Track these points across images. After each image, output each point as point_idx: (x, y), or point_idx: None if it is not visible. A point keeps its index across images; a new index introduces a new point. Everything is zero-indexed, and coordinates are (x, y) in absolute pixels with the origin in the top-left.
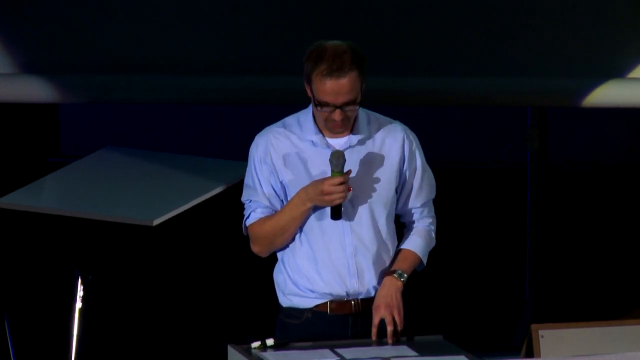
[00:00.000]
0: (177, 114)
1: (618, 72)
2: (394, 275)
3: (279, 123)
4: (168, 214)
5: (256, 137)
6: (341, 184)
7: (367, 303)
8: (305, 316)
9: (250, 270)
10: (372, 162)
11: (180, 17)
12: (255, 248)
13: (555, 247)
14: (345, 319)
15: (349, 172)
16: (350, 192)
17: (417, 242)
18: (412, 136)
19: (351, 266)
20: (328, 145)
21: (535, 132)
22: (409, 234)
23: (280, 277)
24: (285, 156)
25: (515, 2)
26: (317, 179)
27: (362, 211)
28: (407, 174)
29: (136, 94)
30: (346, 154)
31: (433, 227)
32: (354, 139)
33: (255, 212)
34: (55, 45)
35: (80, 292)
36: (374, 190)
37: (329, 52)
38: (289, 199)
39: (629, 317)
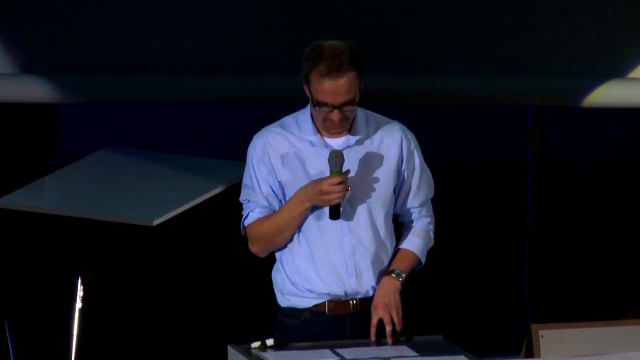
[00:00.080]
0: (177, 114)
1: (618, 72)
2: (392, 275)
3: (277, 123)
4: (168, 214)
5: (254, 137)
6: (340, 183)
7: (365, 303)
8: (304, 316)
9: (250, 270)
10: (370, 162)
11: (180, 17)
12: (254, 248)
13: (555, 247)
14: (344, 318)
15: (348, 171)
16: (349, 192)
17: (416, 242)
18: (411, 136)
19: (349, 266)
20: (326, 145)
21: (535, 132)
22: (408, 234)
23: (279, 277)
24: (283, 156)
25: (515, 2)
26: (315, 178)
27: (361, 211)
28: (406, 173)
29: (136, 94)
30: (344, 153)
31: (431, 227)
32: (352, 139)
33: (253, 212)
34: (55, 45)
35: (80, 292)
36: (373, 190)
37: (328, 52)
38: (287, 198)
39: (629, 317)
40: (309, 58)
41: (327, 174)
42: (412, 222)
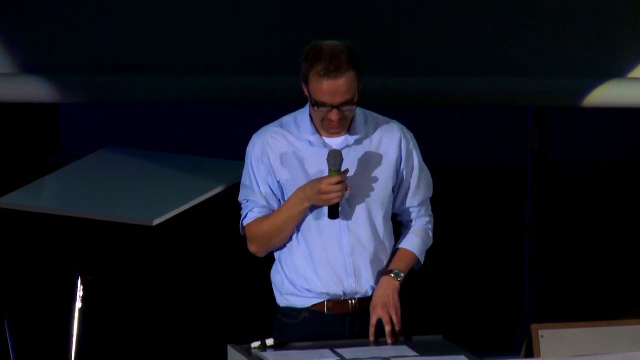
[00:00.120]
0: (177, 114)
1: (618, 72)
2: (391, 275)
3: (276, 123)
4: (168, 214)
5: (253, 137)
6: (339, 183)
7: (364, 302)
8: (303, 316)
9: (250, 270)
10: (369, 161)
11: (180, 17)
12: (253, 248)
13: (555, 247)
14: (343, 318)
15: (347, 171)
16: (348, 192)
17: (415, 241)
18: (409, 135)
19: (348, 266)
20: (325, 145)
21: (535, 132)
22: (407, 233)
23: (278, 277)
24: (282, 156)
25: (515, 2)
26: (314, 178)
27: (360, 210)
28: (405, 173)
29: (136, 94)
30: (343, 153)
31: (430, 226)
32: (351, 138)
33: (252, 212)
34: (55, 45)
35: (80, 292)
36: (371, 189)
37: (326, 53)
38: (286, 198)
39: (629, 317)
40: (307, 58)
41: (326, 173)
42: (411, 221)
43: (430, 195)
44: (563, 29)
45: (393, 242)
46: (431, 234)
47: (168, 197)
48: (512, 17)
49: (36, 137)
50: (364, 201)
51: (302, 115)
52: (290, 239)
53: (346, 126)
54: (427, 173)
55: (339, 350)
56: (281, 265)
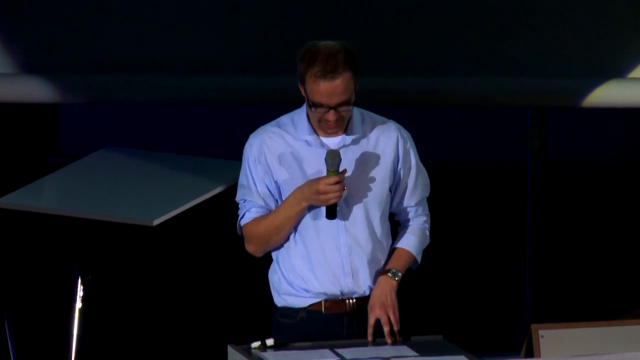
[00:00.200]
0: (177, 114)
1: (618, 72)
2: (389, 274)
3: (273, 122)
4: (168, 214)
5: (250, 137)
6: (336, 183)
7: (361, 302)
8: (300, 316)
9: (250, 270)
10: (366, 161)
11: (180, 17)
12: (250, 248)
13: (555, 247)
14: (340, 318)
15: (344, 171)
16: (345, 192)
17: (412, 241)
18: (407, 135)
19: (346, 266)
20: (322, 145)
21: (535, 132)
22: (404, 233)
23: (275, 276)
24: (279, 156)
25: (515, 2)
26: (312, 178)
27: (357, 210)
28: (402, 173)
29: (136, 94)
30: (340, 153)
31: (427, 226)
32: (348, 138)
33: (249, 211)
34: (55, 45)
35: (80, 292)
36: (369, 189)
37: (323, 53)
38: (283, 198)
39: (629, 317)
40: (303, 59)
41: (324, 173)
42: (408, 221)
43: (427, 194)
44: (563, 29)
45: (390, 242)
46: (428, 233)
47: (168, 197)
48: (512, 17)
49: (36, 137)
50: (361, 201)
51: (299, 115)
52: (288, 238)
53: (343, 126)
54: (424, 172)
55: (339, 350)
56: (278, 265)
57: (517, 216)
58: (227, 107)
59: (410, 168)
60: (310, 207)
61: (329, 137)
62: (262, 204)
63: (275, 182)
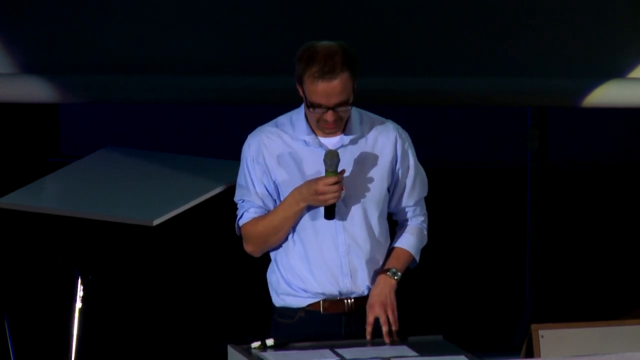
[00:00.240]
0: (177, 114)
1: (618, 72)
2: (388, 273)
3: (272, 122)
4: (168, 214)
5: (248, 137)
6: (335, 183)
7: (360, 302)
8: (299, 316)
9: (250, 270)
10: (364, 161)
11: (180, 17)
12: (249, 248)
13: (555, 247)
14: (339, 318)
15: (343, 171)
16: (343, 191)
17: (410, 240)
18: (405, 135)
19: (344, 265)
20: (320, 145)
21: (535, 132)
22: (402, 232)
23: (274, 277)
24: (278, 156)
25: (515, 2)
26: (310, 178)
27: (355, 210)
28: (400, 173)
29: (136, 94)
30: (339, 153)
31: (425, 225)
32: (346, 138)
33: (248, 212)
34: (55, 45)
35: (80, 292)
36: (367, 189)
37: (321, 54)
38: (281, 198)
39: (629, 317)
40: (301, 59)
41: (322, 173)
42: (406, 220)
43: (425, 194)
44: (563, 29)
45: (389, 242)
46: (426, 233)
47: (168, 197)
48: (512, 17)
49: (36, 137)
50: (359, 201)
51: (297, 115)
52: (286, 238)
53: (341, 126)
54: (422, 172)
55: (339, 350)
56: (277, 265)
57: (517, 216)
58: (227, 107)
59: (408, 168)
60: (309, 208)
61: (327, 137)
62: (261, 204)
63: (274, 182)
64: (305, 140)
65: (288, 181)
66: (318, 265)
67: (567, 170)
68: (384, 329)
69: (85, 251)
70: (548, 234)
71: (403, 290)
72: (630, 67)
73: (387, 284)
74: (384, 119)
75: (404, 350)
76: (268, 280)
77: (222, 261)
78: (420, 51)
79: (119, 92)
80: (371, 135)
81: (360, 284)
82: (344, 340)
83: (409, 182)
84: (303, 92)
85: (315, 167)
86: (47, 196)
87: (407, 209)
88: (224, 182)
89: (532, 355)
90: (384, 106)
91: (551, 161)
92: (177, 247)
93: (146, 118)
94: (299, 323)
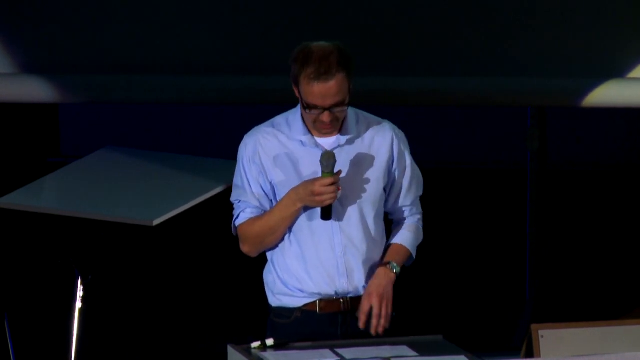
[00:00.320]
0: (177, 114)
1: (618, 72)
2: (388, 267)
3: (268, 123)
4: (168, 214)
5: (245, 137)
6: (332, 184)
7: (356, 302)
8: (295, 315)
9: (250, 271)
10: (361, 161)
11: (180, 17)
12: (245, 248)
13: (555, 247)
14: (335, 317)
15: (339, 172)
16: (340, 192)
17: (408, 237)
18: (401, 135)
19: (340, 266)
20: (317, 145)
21: (535, 132)
22: (399, 229)
23: (270, 277)
24: (274, 157)
25: (515, 2)
26: (307, 179)
27: (352, 211)
28: (397, 173)
29: (136, 94)
30: (335, 153)
31: (421, 224)
32: (343, 138)
33: (244, 212)
34: (55, 45)
35: (80, 292)
36: (363, 189)
37: (316, 55)
38: (278, 199)
39: (629, 317)
40: (297, 60)
41: (319, 174)
42: (403, 219)
43: (421, 193)
44: (563, 29)
45: (385, 241)
46: (422, 231)
47: (168, 197)
48: (512, 17)
49: (36, 137)
50: (355, 201)
51: (294, 115)
52: (283, 239)
53: (338, 126)
54: (418, 172)
55: (339, 350)
56: (273, 265)
57: (517, 216)
58: (227, 107)
59: (405, 168)
60: (305, 208)
61: (324, 137)
62: (257, 204)
63: (270, 182)
64: (301, 141)
65: (284, 181)
66: (314, 265)
67: (567, 170)
68: (374, 321)
69: (85, 251)
70: (548, 234)
71: (403, 290)
72: (630, 67)
73: (387, 277)
74: (380, 119)
75: (404, 350)
76: (264, 281)
77: (222, 261)
78: (420, 51)
79: (119, 92)
80: (368, 135)
81: (356, 283)
82: (341, 340)
83: (405, 182)
84: (299, 93)
85: (311, 167)
86: (47, 196)
87: (404, 209)
88: (224, 182)
89: (532, 355)
90: (384, 106)
91: (551, 161)
92: (177, 247)
93: (146, 118)
94: (295, 323)
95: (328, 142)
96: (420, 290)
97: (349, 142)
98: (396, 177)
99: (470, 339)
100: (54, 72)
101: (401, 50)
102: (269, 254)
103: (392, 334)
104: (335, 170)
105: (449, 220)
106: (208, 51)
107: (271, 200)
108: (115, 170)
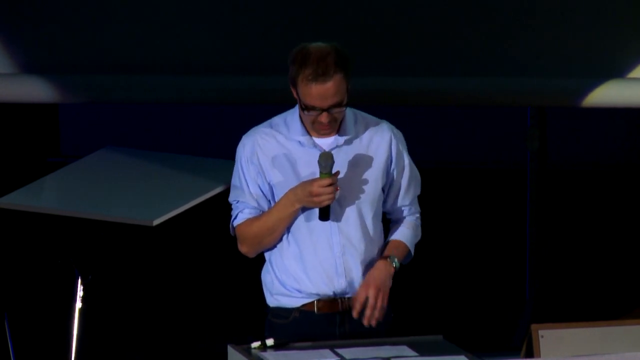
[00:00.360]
0: (177, 114)
1: (618, 72)
2: (388, 260)
3: (266, 123)
4: (168, 214)
5: (243, 137)
6: (330, 185)
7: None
8: (293, 316)
9: (250, 271)
10: (359, 161)
11: (180, 17)
12: (243, 248)
13: (555, 247)
14: (333, 317)
15: (337, 173)
16: (338, 192)
17: (407, 233)
18: (399, 135)
19: (339, 266)
20: (315, 145)
21: (535, 132)
22: (398, 226)
23: (268, 277)
24: (272, 157)
25: (515, 2)
26: (305, 180)
27: (350, 211)
28: (395, 173)
29: (136, 94)
30: (333, 153)
31: (420, 222)
32: (341, 139)
33: (242, 212)
34: (55, 45)
35: (80, 292)
36: (362, 189)
37: (313, 56)
38: (276, 199)
39: (629, 317)
40: (294, 62)
41: (317, 174)
42: (402, 218)
43: (419, 192)
44: (563, 29)
45: (382, 242)
46: (420, 229)
47: (168, 197)
48: (512, 17)
49: (36, 137)
50: (354, 201)
51: (292, 116)
52: (281, 239)
53: (336, 127)
54: (416, 171)
55: (339, 350)
56: (271, 266)
57: (517, 216)
58: (227, 107)
59: (403, 168)
60: (304, 209)
61: (322, 137)
62: (255, 205)
63: (268, 183)
64: (299, 141)
65: (283, 182)
66: (312, 265)
67: (567, 170)
68: (368, 311)
69: (85, 251)
70: (548, 234)
71: (403, 290)
72: (630, 67)
73: (387, 270)
74: (378, 119)
75: (404, 350)
76: (262, 281)
77: (222, 261)
78: (420, 51)
79: (119, 92)
80: (366, 135)
81: (354, 284)
82: (340, 340)
83: (404, 182)
84: (297, 94)
85: (309, 167)
86: (47, 196)
87: (403, 208)
88: (224, 182)
89: (532, 355)
90: (384, 106)
91: (551, 161)
92: (177, 247)
93: (146, 118)
94: (293, 323)
95: (326, 142)
96: (420, 290)
97: (347, 142)
98: (394, 177)
99: (470, 339)
100: (54, 72)
101: (401, 50)
102: (266, 255)
103: (392, 334)
104: (334, 171)
105: (449, 220)
106: (208, 51)
107: (269, 201)
108: (115, 170)
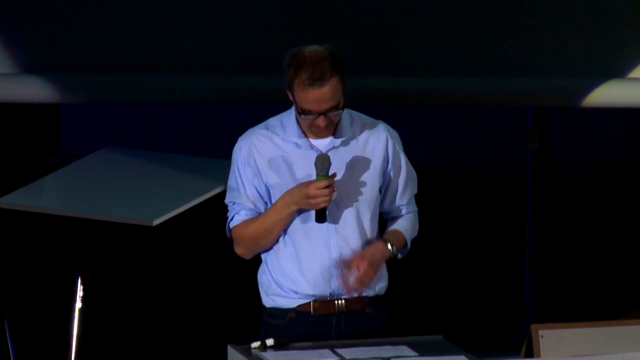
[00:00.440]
0: (177, 114)
1: (618, 72)
2: (387, 244)
3: (262, 125)
4: (168, 214)
5: (239, 139)
6: (326, 187)
7: (350, 303)
8: (289, 316)
9: (250, 270)
10: (356, 162)
11: (180, 17)
12: (239, 250)
13: (555, 247)
14: (329, 318)
15: (334, 175)
16: (335, 193)
17: (405, 226)
18: (395, 135)
19: (335, 267)
20: (311, 147)
21: (535, 132)
22: (396, 220)
23: (264, 278)
24: (269, 159)
25: (515, 2)
26: (302, 182)
27: (347, 212)
28: (392, 173)
29: (136, 94)
30: (330, 155)
31: (417, 219)
32: (337, 140)
33: (239, 214)
34: (55, 45)
35: (80, 292)
36: (359, 191)
37: (309, 60)
38: (272, 201)
39: (629, 317)
40: (290, 66)
41: (314, 176)
42: (400, 217)
43: (416, 191)
44: (563, 29)
45: None
46: (417, 225)
47: (168, 197)
48: (512, 17)
49: (36, 137)
50: (351, 202)
51: (288, 117)
52: (277, 240)
53: (332, 129)
54: (412, 171)
55: (339, 350)
56: (267, 266)
57: (517, 216)
58: (227, 107)
59: (400, 168)
60: (300, 210)
61: (318, 139)
62: (252, 206)
63: (265, 184)
64: (296, 143)
65: (279, 184)
66: (309, 266)
67: (567, 170)
68: (351, 281)
69: (85, 251)
70: (548, 234)
71: (403, 290)
72: (630, 67)
73: (383, 252)
74: (374, 120)
75: (404, 350)
76: (258, 281)
77: (222, 261)
78: (420, 51)
79: (119, 92)
80: (362, 136)
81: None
82: (337, 340)
83: (401, 182)
84: (293, 98)
85: (306, 169)
86: (47, 196)
87: (400, 207)
88: (223, 182)
89: (532, 355)
90: (384, 106)
91: (551, 161)
92: (177, 247)
93: (146, 118)
94: (290, 324)
95: (323, 143)
96: (420, 290)
97: (344, 143)
98: (391, 177)
99: (470, 339)
100: (54, 72)
101: (401, 50)
102: (263, 256)
103: (392, 334)
104: (330, 173)
105: (449, 220)
106: (208, 51)
107: (266, 202)
108: (115, 170)
